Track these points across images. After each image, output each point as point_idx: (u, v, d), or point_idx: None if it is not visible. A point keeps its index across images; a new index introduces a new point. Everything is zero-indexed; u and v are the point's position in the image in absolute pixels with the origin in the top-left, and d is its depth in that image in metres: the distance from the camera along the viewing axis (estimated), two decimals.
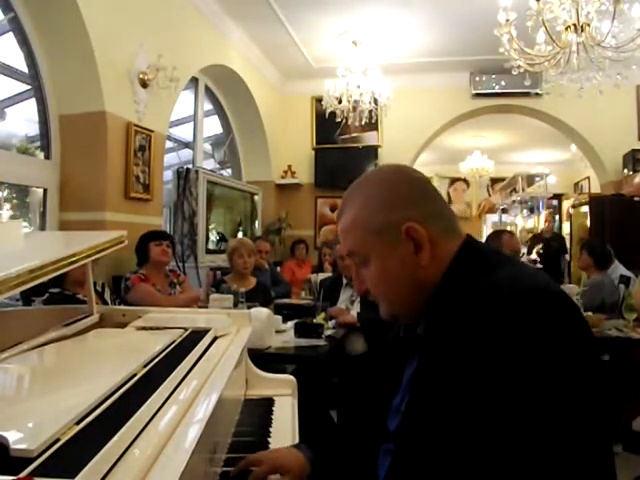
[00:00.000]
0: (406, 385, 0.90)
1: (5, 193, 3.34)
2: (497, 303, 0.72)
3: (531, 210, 8.21)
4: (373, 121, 5.09)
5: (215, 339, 1.30)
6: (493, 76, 5.69)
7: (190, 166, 4.49)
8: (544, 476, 0.65)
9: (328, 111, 4.86)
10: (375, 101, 4.80)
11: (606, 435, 0.72)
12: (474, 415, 0.70)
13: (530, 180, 8.21)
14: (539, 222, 8.61)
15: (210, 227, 4.65)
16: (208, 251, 4.48)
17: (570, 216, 6.74)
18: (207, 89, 5.21)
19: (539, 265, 6.32)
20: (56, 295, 2.41)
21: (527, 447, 0.66)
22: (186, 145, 4.97)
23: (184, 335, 1.26)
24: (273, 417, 1.36)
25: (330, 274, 4.06)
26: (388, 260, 0.85)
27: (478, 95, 5.83)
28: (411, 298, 0.87)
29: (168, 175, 4.24)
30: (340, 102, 4.76)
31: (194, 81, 4.77)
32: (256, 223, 5.71)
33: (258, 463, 1.00)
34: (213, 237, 4.76)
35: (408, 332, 0.94)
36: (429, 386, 0.79)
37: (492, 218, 9.91)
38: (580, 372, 0.69)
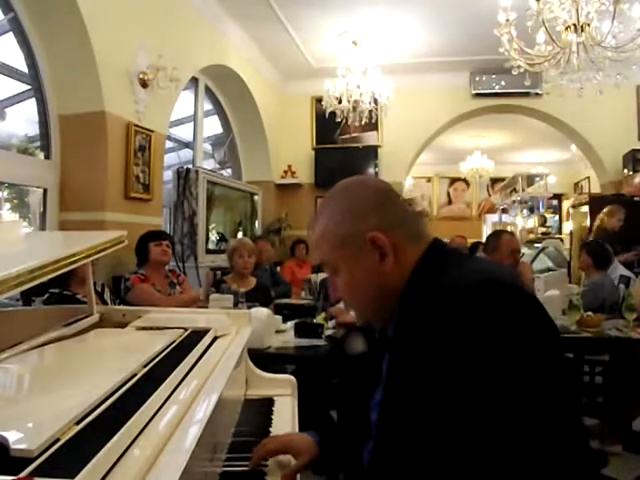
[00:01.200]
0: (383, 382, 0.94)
1: (5, 193, 3.34)
2: (454, 297, 0.75)
3: (531, 210, 8.19)
4: (373, 121, 5.10)
5: (215, 339, 1.30)
6: (493, 76, 5.70)
7: (190, 166, 4.49)
8: (510, 462, 0.67)
9: (328, 111, 4.87)
10: (375, 101, 4.80)
11: (572, 415, 0.73)
12: (439, 405, 0.73)
13: (530, 180, 8.19)
14: (536, 222, 8.60)
15: (210, 227, 4.65)
16: (208, 251, 4.48)
17: (570, 216, 6.74)
18: (207, 89, 5.21)
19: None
20: (56, 295, 2.41)
21: (487, 432, 0.68)
22: (186, 145, 4.97)
23: (184, 335, 1.26)
24: (273, 417, 1.36)
25: None
26: (355, 269, 0.89)
27: (478, 95, 5.84)
28: (380, 304, 0.90)
29: (168, 175, 4.24)
30: (340, 102, 4.76)
31: (194, 81, 4.77)
32: (256, 223, 5.72)
33: (269, 442, 1.06)
34: (213, 237, 4.76)
35: (382, 334, 0.98)
36: (398, 383, 0.82)
37: (492, 218, 9.90)
38: (536, 356, 0.71)
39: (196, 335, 1.25)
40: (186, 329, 1.30)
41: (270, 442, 1.06)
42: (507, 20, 3.08)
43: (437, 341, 0.73)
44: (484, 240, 3.73)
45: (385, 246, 0.86)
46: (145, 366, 0.94)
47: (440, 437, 0.72)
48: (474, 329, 0.71)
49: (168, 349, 1.10)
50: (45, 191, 3.12)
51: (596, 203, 5.35)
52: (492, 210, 10.22)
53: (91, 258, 1.30)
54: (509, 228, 8.14)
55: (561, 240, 7.37)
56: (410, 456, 0.77)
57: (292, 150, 6.16)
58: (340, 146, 6.09)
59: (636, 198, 5.05)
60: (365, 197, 0.91)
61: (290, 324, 2.78)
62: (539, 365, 0.71)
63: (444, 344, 0.72)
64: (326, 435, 1.08)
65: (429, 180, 10.70)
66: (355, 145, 6.01)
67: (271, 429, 1.28)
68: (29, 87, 3.09)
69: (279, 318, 2.80)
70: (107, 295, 2.86)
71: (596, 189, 6.91)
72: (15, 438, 0.57)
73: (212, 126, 5.53)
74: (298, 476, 1.04)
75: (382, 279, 0.87)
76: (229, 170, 5.88)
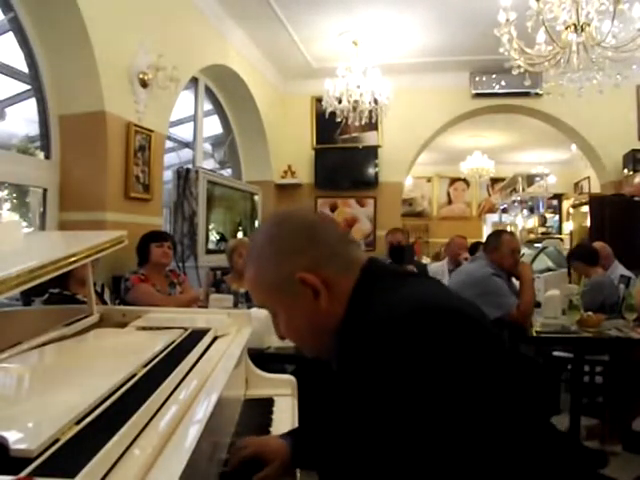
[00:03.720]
0: None
1: (5, 193, 3.34)
2: (384, 329, 0.74)
3: (531, 210, 8.19)
4: (373, 121, 5.08)
5: (215, 339, 1.30)
6: (493, 76, 5.69)
7: (190, 166, 4.48)
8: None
9: (328, 111, 4.86)
10: (375, 101, 4.80)
11: (524, 438, 0.73)
12: (376, 437, 0.74)
13: (530, 180, 8.20)
14: (536, 222, 8.61)
15: (210, 227, 4.64)
16: (208, 251, 4.48)
17: (570, 216, 6.74)
18: (207, 89, 5.20)
19: None
20: (56, 295, 2.40)
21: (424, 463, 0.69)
22: (186, 145, 4.97)
23: (184, 335, 1.26)
24: (273, 417, 1.36)
25: None
26: (292, 310, 0.88)
27: (478, 95, 5.83)
28: (322, 340, 0.89)
29: (168, 175, 4.24)
30: (340, 102, 4.75)
31: (194, 81, 4.77)
32: (256, 223, 5.71)
33: (244, 447, 1.06)
34: (213, 237, 4.76)
35: None
36: (343, 416, 0.87)
37: (492, 218, 9.90)
38: (468, 382, 0.71)
39: (196, 335, 1.25)
40: (186, 329, 1.30)
41: (246, 447, 1.06)
42: (507, 20, 3.07)
43: (370, 374, 0.73)
44: (484, 240, 3.73)
45: (316, 285, 0.85)
46: (145, 366, 0.94)
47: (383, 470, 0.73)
48: (406, 360, 0.71)
49: (168, 349, 1.10)
50: (45, 191, 3.12)
51: (596, 203, 5.36)
52: (492, 210, 10.22)
53: (91, 258, 1.30)
54: (509, 228, 8.15)
55: (561, 240, 7.38)
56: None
57: (292, 150, 6.16)
58: (340, 146, 6.09)
59: (636, 198, 5.05)
60: (288, 237, 0.89)
61: None
62: (471, 391, 0.71)
63: (377, 377, 0.72)
64: (299, 440, 1.08)
65: (429, 180, 10.70)
66: (355, 145, 6.01)
67: (271, 429, 1.28)
68: (29, 87, 3.08)
69: None
70: (107, 295, 2.86)
71: (596, 189, 6.90)
72: (15, 438, 0.58)
73: (212, 126, 5.52)
74: (298, 475, 1.07)
75: (320, 317, 0.86)
76: (229, 170, 5.87)
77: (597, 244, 3.93)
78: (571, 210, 6.66)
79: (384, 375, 0.72)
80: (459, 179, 10.31)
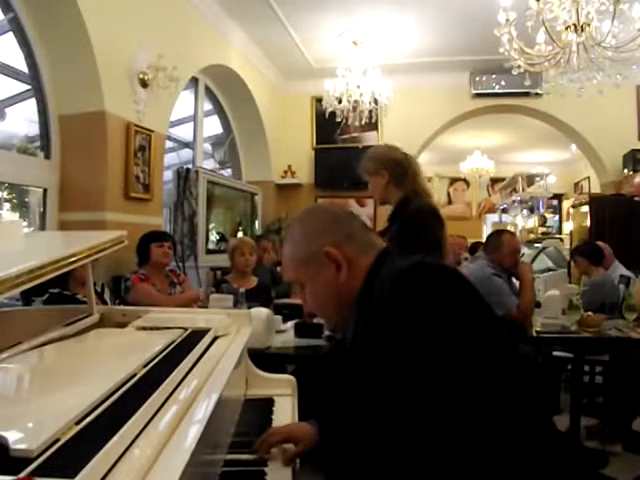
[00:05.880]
0: None
1: (5, 193, 3.34)
2: (386, 283, 0.90)
3: (531, 210, 8.19)
4: (373, 121, 5.09)
5: (215, 339, 1.30)
6: (493, 76, 5.69)
7: (190, 166, 4.49)
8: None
9: (328, 111, 4.86)
10: (375, 101, 4.80)
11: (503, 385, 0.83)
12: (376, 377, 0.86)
13: (530, 180, 8.20)
14: (536, 222, 8.60)
15: (210, 227, 4.65)
16: (208, 251, 4.48)
17: (570, 216, 6.73)
18: (207, 89, 5.20)
19: None
20: (56, 295, 2.40)
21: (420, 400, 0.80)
22: (186, 145, 4.97)
23: (184, 335, 1.25)
24: (273, 417, 1.36)
25: None
26: (317, 282, 1.04)
27: (478, 95, 5.83)
28: (342, 310, 1.03)
29: (168, 175, 4.24)
30: (340, 102, 4.76)
31: (194, 81, 4.77)
32: (256, 223, 5.72)
33: (272, 434, 1.15)
34: (213, 237, 4.76)
35: None
36: (358, 373, 0.98)
37: (492, 218, 9.90)
38: (458, 323, 0.83)
39: (196, 335, 1.25)
40: (186, 329, 1.30)
41: (274, 434, 1.15)
42: (507, 20, 3.07)
43: (376, 325, 0.87)
44: (484, 240, 3.73)
45: (339, 258, 1.00)
46: (145, 366, 0.94)
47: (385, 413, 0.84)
48: (405, 306, 0.83)
49: (168, 349, 1.09)
50: (45, 191, 3.12)
51: (596, 203, 5.36)
52: (492, 210, 10.22)
53: (91, 258, 1.30)
54: (509, 228, 8.14)
55: (561, 240, 7.37)
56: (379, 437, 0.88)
57: (292, 150, 6.16)
58: (340, 146, 6.08)
59: (636, 198, 5.05)
60: (317, 221, 1.08)
61: (290, 324, 2.78)
62: (460, 330, 0.82)
63: (382, 326, 0.85)
64: (325, 423, 1.16)
65: (429, 180, 10.67)
66: (355, 145, 5.99)
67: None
68: (29, 87, 3.08)
69: (279, 318, 2.79)
70: (107, 295, 2.86)
71: (596, 189, 6.90)
72: (15, 438, 0.57)
73: (212, 126, 5.52)
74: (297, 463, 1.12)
75: (340, 287, 1.01)
76: (229, 170, 5.88)
77: (598, 244, 3.93)
78: (571, 210, 6.65)
79: (390, 321, 0.84)
80: (459, 179, 10.31)
